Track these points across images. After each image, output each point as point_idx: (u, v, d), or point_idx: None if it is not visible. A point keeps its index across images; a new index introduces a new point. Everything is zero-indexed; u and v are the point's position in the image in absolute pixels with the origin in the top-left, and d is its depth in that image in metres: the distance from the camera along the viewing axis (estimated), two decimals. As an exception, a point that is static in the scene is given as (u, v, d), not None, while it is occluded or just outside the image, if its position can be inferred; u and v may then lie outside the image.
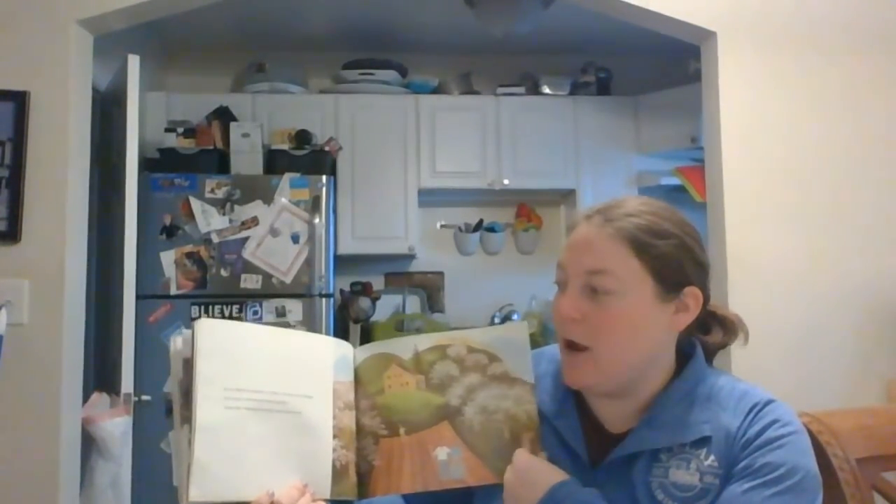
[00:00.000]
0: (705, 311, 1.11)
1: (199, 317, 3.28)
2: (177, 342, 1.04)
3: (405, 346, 1.13)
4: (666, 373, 1.09)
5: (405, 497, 1.17)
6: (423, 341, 1.13)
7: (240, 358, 1.04)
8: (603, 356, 1.04)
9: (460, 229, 4.32)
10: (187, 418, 1.00)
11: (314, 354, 1.11)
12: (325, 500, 1.05)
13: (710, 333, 1.15)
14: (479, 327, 1.15)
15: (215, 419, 1.00)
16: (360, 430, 1.10)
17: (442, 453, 1.07)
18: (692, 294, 1.07)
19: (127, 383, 2.47)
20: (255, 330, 1.11)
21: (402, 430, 1.09)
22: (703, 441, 1.03)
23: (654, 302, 1.04)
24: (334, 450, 1.07)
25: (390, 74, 4.05)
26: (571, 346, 1.06)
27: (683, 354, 1.11)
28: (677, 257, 1.05)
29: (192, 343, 1.02)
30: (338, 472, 1.07)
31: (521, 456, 1.05)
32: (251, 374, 1.04)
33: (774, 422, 1.02)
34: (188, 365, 1.02)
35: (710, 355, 1.16)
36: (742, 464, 1.00)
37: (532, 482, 1.02)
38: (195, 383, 1.00)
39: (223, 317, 3.32)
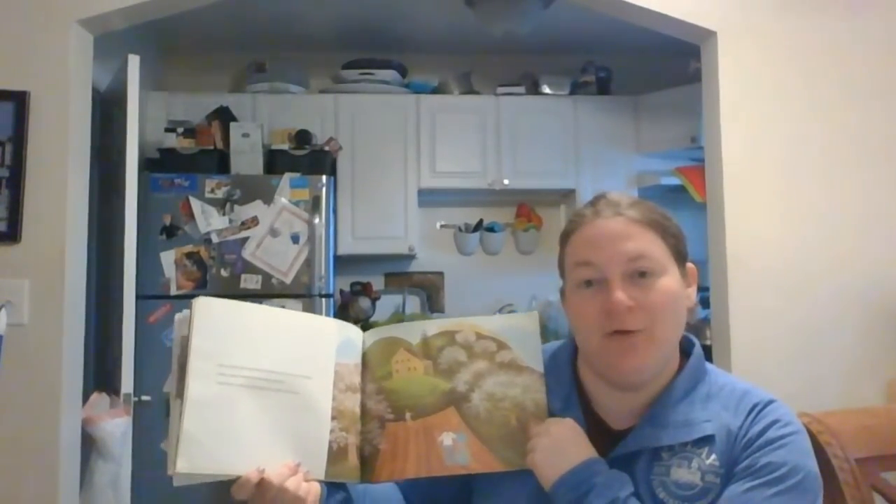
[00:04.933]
0: None
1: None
2: (179, 319, 1.05)
3: (414, 331, 1.13)
4: (671, 367, 1.10)
5: (405, 495, 1.17)
6: (432, 327, 1.13)
7: (237, 336, 1.05)
8: (657, 334, 1.04)
9: (460, 229, 4.32)
10: (181, 392, 1.00)
11: (316, 335, 1.11)
12: (320, 481, 1.05)
13: None
14: (488, 315, 1.15)
15: (207, 394, 1.00)
16: (366, 413, 1.10)
17: (447, 439, 1.07)
18: (691, 269, 1.12)
19: (127, 383, 2.47)
20: (255, 309, 1.11)
21: (408, 415, 1.09)
22: (705, 440, 1.03)
23: (679, 279, 1.08)
24: (332, 431, 1.07)
25: (390, 74, 4.05)
26: (621, 333, 1.04)
27: (683, 352, 1.12)
28: (681, 235, 1.10)
29: (189, 319, 1.03)
30: (334, 454, 1.07)
31: (558, 425, 1.06)
32: (248, 351, 1.05)
33: (776, 422, 1.03)
34: (185, 341, 1.02)
35: None
36: (743, 464, 1.01)
37: (565, 452, 1.03)
38: (189, 358, 1.00)
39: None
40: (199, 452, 0.98)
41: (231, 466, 1.00)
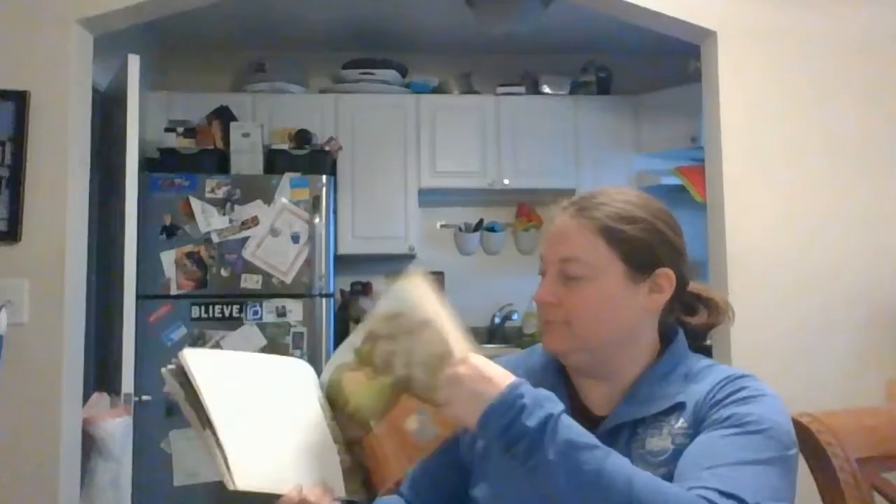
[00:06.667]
0: (686, 292, 1.16)
1: (199, 317, 3.31)
2: (166, 375, 1.07)
3: (347, 351, 1.15)
4: (647, 356, 1.12)
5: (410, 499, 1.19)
6: (357, 337, 1.15)
7: (232, 376, 1.09)
8: (577, 331, 1.09)
9: (460, 229, 4.32)
10: (207, 422, 1.02)
11: (295, 372, 1.17)
12: (342, 500, 1.07)
13: (695, 315, 1.19)
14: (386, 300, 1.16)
15: (232, 420, 1.03)
16: (347, 443, 1.12)
17: (412, 422, 1.07)
18: (664, 275, 1.11)
19: (127, 383, 2.47)
20: (235, 355, 1.19)
21: (372, 424, 1.10)
22: (675, 407, 1.06)
23: (624, 283, 1.09)
24: (339, 452, 1.10)
25: (390, 74, 4.05)
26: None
27: (667, 340, 1.14)
28: (647, 240, 1.10)
29: (183, 366, 1.05)
30: (346, 473, 1.10)
31: (465, 366, 1.00)
32: (247, 387, 1.09)
33: (746, 387, 1.04)
34: (186, 385, 1.04)
35: (699, 338, 1.20)
36: (710, 419, 1.02)
37: (482, 388, 0.97)
38: (201, 395, 1.03)
39: (223, 317, 3.34)
40: (248, 472, 1.01)
41: (276, 484, 1.02)
